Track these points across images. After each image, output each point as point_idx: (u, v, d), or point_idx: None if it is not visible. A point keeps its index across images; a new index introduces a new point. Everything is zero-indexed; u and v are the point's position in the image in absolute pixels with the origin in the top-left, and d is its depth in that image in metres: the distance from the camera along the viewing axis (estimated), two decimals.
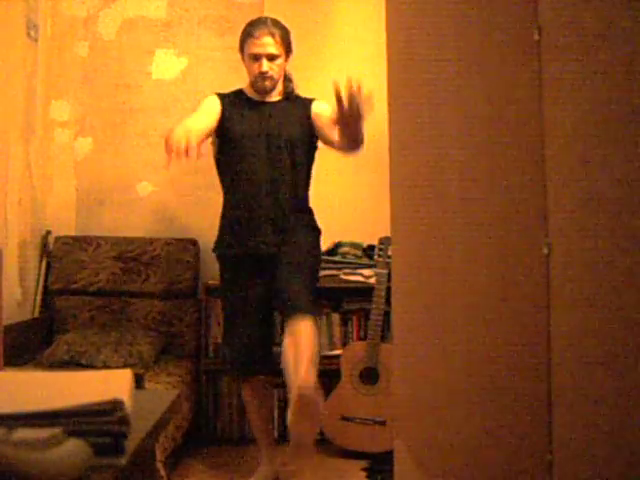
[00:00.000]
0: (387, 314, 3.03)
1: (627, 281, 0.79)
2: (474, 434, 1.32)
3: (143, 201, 3.70)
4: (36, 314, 3.41)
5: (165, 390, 2.60)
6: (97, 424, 0.88)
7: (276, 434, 3.32)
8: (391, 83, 2.00)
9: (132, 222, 3.67)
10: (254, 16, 3.71)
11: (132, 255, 3.48)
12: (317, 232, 2.82)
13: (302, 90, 3.82)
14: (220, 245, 2.78)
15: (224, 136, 2.73)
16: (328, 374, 3.24)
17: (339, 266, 3.41)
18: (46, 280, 3.47)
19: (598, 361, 0.86)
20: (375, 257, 3.24)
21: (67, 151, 3.70)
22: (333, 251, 3.47)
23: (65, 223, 3.65)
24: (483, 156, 1.28)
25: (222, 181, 2.84)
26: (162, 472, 2.44)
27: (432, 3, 1.62)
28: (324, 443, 3.21)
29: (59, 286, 3.44)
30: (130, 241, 3.51)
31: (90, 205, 3.69)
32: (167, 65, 3.73)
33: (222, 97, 2.77)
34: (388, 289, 2.91)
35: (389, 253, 2.96)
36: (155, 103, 3.71)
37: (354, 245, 3.49)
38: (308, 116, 2.75)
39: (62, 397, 0.96)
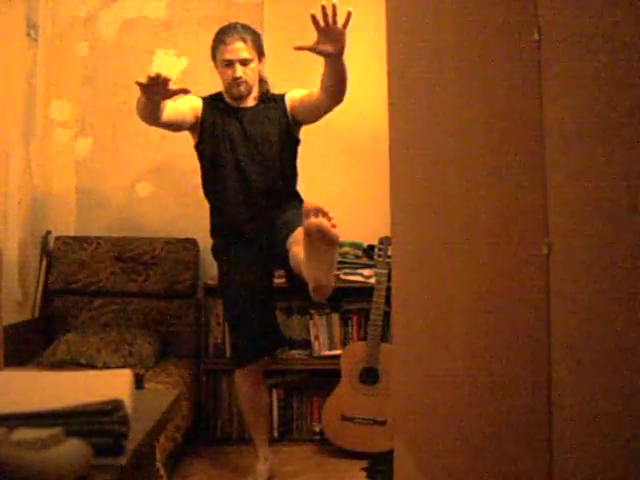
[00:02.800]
0: (387, 314, 3.03)
1: (627, 281, 0.79)
2: (474, 434, 1.32)
3: (143, 201, 3.70)
4: (36, 314, 3.41)
5: (165, 390, 2.60)
6: (97, 424, 0.88)
7: (276, 434, 3.33)
8: (391, 83, 2.00)
9: (132, 222, 3.67)
10: (254, 16, 3.73)
11: (132, 255, 3.48)
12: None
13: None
14: (215, 241, 2.85)
15: (202, 138, 2.75)
16: (328, 374, 3.24)
17: (339, 266, 3.40)
18: (46, 280, 3.47)
19: (598, 361, 0.86)
20: (375, 257, 3.24)
21: (67, 151, 3.70)
22: None
23: (65, 223, 3.65)
24: (483, 156, 1.28)
25: (202, 172, 2.88)
26: (162, 472, 2.44)
27: (432, 3, 1.62)
28: (324, 443, 3.21)
29: (59, 286, 3.44)
30: (130, 241, 3.51)
31: (90, 205, 3.69)
32: (167, 65, 3.73)
33: (204, 100, 2.79)
34: (388, 289, 2.91)
35: (389, 253, 2.96)
36: None
37: (354, 245, 3.49)
38: (284, 111, 2.76)
39: (62, 397, 0.96)
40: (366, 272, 3.36)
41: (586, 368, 0.89)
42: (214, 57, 2.73)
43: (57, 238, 3.53)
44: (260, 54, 2.74)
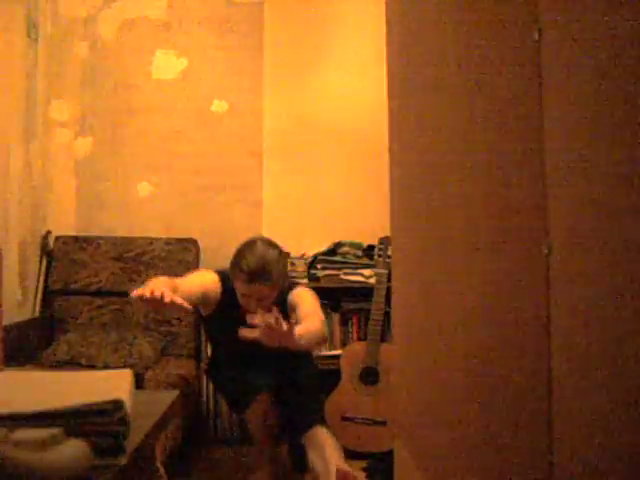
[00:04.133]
0: (387, 314, 3.03)
1: (628, 281, 0.79)
2: (474, 434, 1.32)
3: (143, 201, 3.70)
4: (36, 314, 3.41)
5: (165, 390, 2.60)
6: (97, 424, 0.88)
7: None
8: (391, 83, 2.01)
9: (132, 222, 3.67)
10: (254, 16, 3.74)
11: (132, 255, 3.48)
12: (313, 363, 2.79)
13: (302, 90, 3.83)
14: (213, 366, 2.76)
15: (214, 316, 2.56)
16: (328, 374, 3.24)
17: (339, 266, 3.41)
18: (46, 280, 3.47)
19: (598, 361, 0.86)
20: (375, 257, 3.24)
21: (67, 151, 3.70)
22: (333, 251, 3.48)
23: (65, 223, 3.65)
24: (483, 156, 1.28)
25: (210, 342, 2.78)
26: (162, 472, 2.44)
27: (431, 3, 1.62)
28: None
29: (59, 286, 3.44)
30: (130, 241, 3.51)
31: (90, 205, 3.69)
32: (167, 65, 3.73)
33: (222, 282, 2.51)
34: (388, 289, 2.91)
35: (389, 253, 2.96)
36: (155, 103, 3.72)
37: (354, 245, 3.49)
38: (285, 302, 2.52)
39: (62, 397, 0.96)
40: (366, 272, 3.36)
41: (586, 368, 0.89)
42: (232, 275, 2.43)
43: (57, 238, 3.53)
44: (281, 283, 2.46)
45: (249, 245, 2.44)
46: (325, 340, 2.49)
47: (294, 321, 2.16)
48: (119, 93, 3.71)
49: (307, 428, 2.49)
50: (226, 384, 2.65)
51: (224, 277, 2.49)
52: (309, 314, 2.37)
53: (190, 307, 2.02)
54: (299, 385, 2.63)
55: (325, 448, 2.40)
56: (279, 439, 2.77)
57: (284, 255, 2.52)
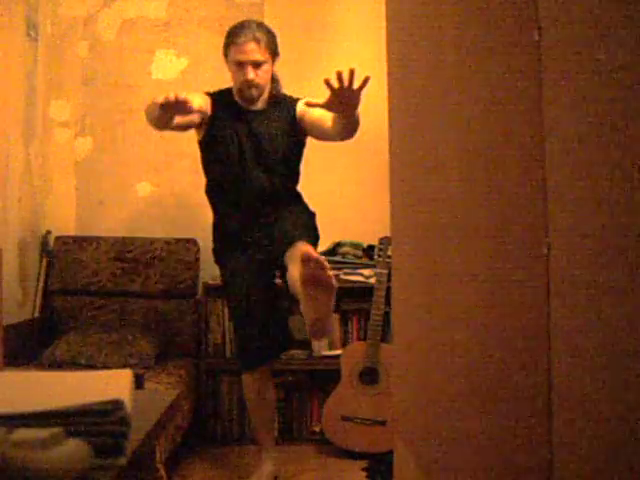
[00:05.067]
0: (387, 314, 3.03)
1: (628, 281, 0.79)
2: (474, 434, 1.32)
3: (143, 201, 3.70)
4: (36, 314, 3.41)
5: (165, 390, 2.60)
6: (97, 424, 0.88)
7: (276, 434, 3.33)
8: (391, 83, 2.01)
9: (132, 222, 3.67)
10: (254, 16, 3.72)
11: (132, 255, 3.48)
12: (307, 207, 2.88)
13: (302, 90, 3.81)
14: (216, 244, 2.84)
15: (209, 137, 2.72)
16: (328, 374, 3.24)
17: (339, 266, 3.41)
18: (46, 280, 3.47)
19: (598, 361, 0.86)
20: (375, 257, 3.24)
21: (67, 151, 3.70)
22: (333, 251, 3.48)
23: (65, 223, 3.65)
24: (483, 156, 1.28)
25: (206, 172, 2.87)
26: (162, 472, 2.44)
27: (432, 3, 1.62)
28: (324, 443, 3.21)
29: (59, 286, 3.44)
30: (130, 241, 3.51)
31: (90, 205, 3.69)
32: (167, 65, 3.73)
33: (213, 98, 2.71)
34: (388, 289, 2.91)
35: (389, 253, 2.96)
36: None
37: (354, 245, 3.49)
38: (293, 117, 2.72)
39: (62, 397, 0.96)
40: (366, 272, 3.36)
41: (586, 368, 0.89)
42: (226, 55, 2.66)
43: (57, 238, 3.53)
44: (274, 54, 2.67)
45: (240, 21, 2.70)
46: (359, 121, 2.47)
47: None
48: (119, 93, 3.71)
49: (289, 245, 2.45)
50: (229, 278, 2.73)
51: (210, 92, 2.70)
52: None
53: (209, 111, 2.33)
54: (288, 218, 2.67)
55: (299, 253, 2.30)
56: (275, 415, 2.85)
57: (274, 31, 2.70)
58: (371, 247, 3.41)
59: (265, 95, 2.71)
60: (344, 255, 3.45)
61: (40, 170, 3.58)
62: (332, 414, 3.12)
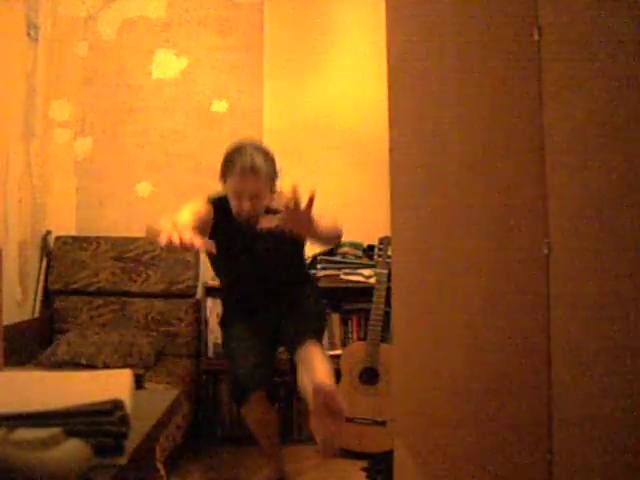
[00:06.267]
0: (387, 314, 3.03)
1: (627, 281, 0.79)
2: (474, 434, 1.32)
3: (143, 201, 3.70)
4: (36, 314, 3.41)
5: (165, 390, 2.60)
6: (97, 424, 0.88)
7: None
8: (391, 83, 2.01)
9: (132, 222, 3.67)
10: (254, 16, 3.74)
11: (132, 255, 3.48)
12: (318, 289, 2.84)
13: (302, 90, 3.83)
14: (224, 314, 2.84)
15: (214, 236, 2.54)
16: None
17: (339, 266, 3.41)
18: (46, 280, 3.47)
19: (598, 361, 0.86)
20: (375, 257, 3.24)
21: (67, 151, 3.70)
22: (333, 251, 3.48)
23: (65, 223, 3.65)
24: (483, 156, 1.28)
25: (214, 266, 2.80)
26: (162, 472, 2.44)
27: (432, 3, 1.62)
28: None
29: (59, 286, 3.44)
30: (130, 241, 3.51)
31: (90, 205, 3.69)
32: (167, 65, 3.73)
33: (214, 205, 2.54)
34: (388, 289, 2.90)
35: (389, 253, 2.96)
36: (155, 103, 3.72)
37: (354, 245, 3.49)
38: None
39: (62, 397, 0.96)
40: (366, 272, 3.36)
41: (586, 368, 0.89)
42: (222, 178, 2.48)
43: (57, 238, 3.53)
44: (273, 180, 2.49)
45: (237, 146, 2.50)
46: (340, 233, 2.41)
47: (312, 197, 2.08)
48: (119, 93, 3.72)
49: (300, 344, 2.45)
50: (231, 351, 2.67)
51: (211, 199, 2.54)
52: (322, 214, 2.30)
53: (214, 247, 2.07)
54: (298, 308, 2.64)
55: (312, 363, 2.32)
56: (278, 439, 2.79)
57: (273, 156, 2.53)
58: (371, 247, 3.41)
59: (262, 211, 2.53)
60: (344, 255, 3.45)
61: (40, 170, 3.58)
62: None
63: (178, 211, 2.37)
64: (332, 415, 2.17)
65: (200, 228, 2.39)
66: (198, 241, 1.99)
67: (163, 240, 1.96)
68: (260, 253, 2.60)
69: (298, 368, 2.44)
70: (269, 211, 2.51)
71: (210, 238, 2.49)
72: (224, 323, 2.83)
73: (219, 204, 2.53)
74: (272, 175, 2.48)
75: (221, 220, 2.52)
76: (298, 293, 2.71)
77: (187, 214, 2.35)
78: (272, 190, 2.50)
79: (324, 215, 2.30)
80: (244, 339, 2.64)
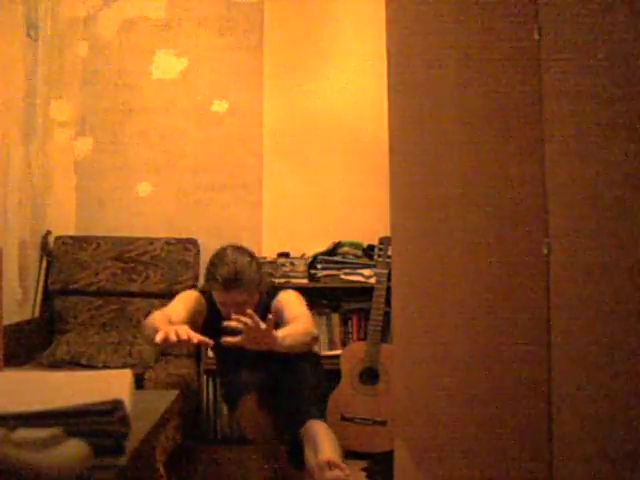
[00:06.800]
0: (387, 314, 3.03)
1: (627, 281, 0.79)
2: (474, 434, 1.32)
3: (143, 201, 3.70)
4: (36, 314, 3.41)
5: (165, 390, 2.60)
6: (97, 424, 0.88)
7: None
8: (391, 83, 2.00)
9: (132, 222, 3.67)
10: (254, 16, 3.74)
11: (132, 255, 3.48)
12: (313, 359, 2.78)
13: (302, 90, 3.83)
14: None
15: (206, 329, 2.50)
16: (328, 374, 3.23)
17: (339, 266, 3.41)
18: (46, 280, 3.47)
19: (598, 361, 0.86)
20: (375, 257, 3.24)
21: (67, 151, 3.70)
22: (333, 251, 3.48)
23: (65, 223, 3.65)
24: (483, 156, 1.28)
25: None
26: (162, 472, 2.44)
27: (432, 3, 1.62)
28: None
29: (59, 286, 3.44)
30: (130, 241, 3.51)
31: (90, 205, 3.69)
32: (167, 65, 3.73)
33: (207, 302, 2.55)
34: (388, 289, 2.90)
35: (389, 253, 2.96)
36: (155, 103, 3.72)
37: (354, 245, 3.49)
38: (268, 308, 2.52)
39: (62, 397, 0.96)
40: (366, 272, 3.36)
41: (586, 368, 0.88)
42: (208, 284, 2.49)
43: (57, 238, 3.52)
44: (258, 287, 2.48)
45: (219, 254, 2.50)
46: (315, 339, 2.43)
47: (272, 319, 2.10)
48: (119, 93, 3.71)
49: (302, 421, 2.45)
50: (223, 379, 2.67)
51: (205, 294, 2.56)
52: (296, 316, 2.38)
53: (211, 341, 2.13)
54: (296, 378, 2.62)
55: (319, 442, 2.34)
56: (276, 437, 2.77)
57: (256, 259, 2.54)
58: (371, 247, 3.41)
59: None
60: (344, 255, 3.45)
61: (40, 170, 3.58)
62: (332, 414, 3.12)
63: (172, 304, 2.45)
64: None
65: (194, 320, 2.45)
66: (194, 338, 2.06)
67: (159, 338, 2.02)
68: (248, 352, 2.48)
69: (304, 446, 2.42)
70: (263, 304, 2.52)
71: (204, 324, 2.53)
72: (217, 364, 2.83)
73: (209, 299, 2.54)
74: (255, 284, 2.46)
75: (211, 317, 2.52)
76: (295, 365, 2.65)
77: (180, 308, 2.40)
78: (259, 294, 2.50)
79: (296, 316, 2.37)
80: (239, 369, 2.62)
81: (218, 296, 2.45)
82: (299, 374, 2.65)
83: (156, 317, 2.28)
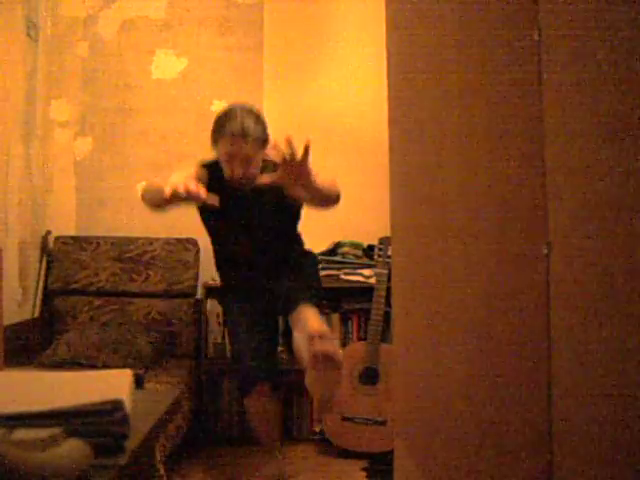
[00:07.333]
0: (387, 314, 3.03)
1: (627, 281, 0.79)
2: (474, 434, 1.32)
3: None
4: (36, 314, 3.41)
5: (165, 390, 2.60)
6: (97, 424, 0.88)
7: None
8: (391, 83, 2.00)
9: (132, 222, 3.67)
10: (254, 16, 3.74)
11: (132, 255, 3.48)
12: (311, 255, 2.81)
13: (302, 90, 3.83)
14: (221, 286, 2.81)
15: (204, 209, 2.59)
16: None
17: (339, 266, 3.41)
18: (46, 280, 3.47)
19: (598, 361, 0.86)
20: (375, 257, 3.24)
21: (67, 151, 3.70)
22: (333, 251, 3.48)
23: (65, 223, 3.65)
24: (483, 156, 1.28)
25: (206, 231, 2.79)
26: (162, 472, 2.44)
27: (432, 3, 1.62)
28: (324, 443, 3.21)
29: (59, 286, 3.44)
30: (130, 241, 3.51)
31: (90, 205, 3.69)
32: (167, 65, 3.73)
33: (209, 170, 2.52)
34: (388, 289, 2.90)
35: (389, 253, 2.95)
36: (155, 103, 3.72)
37: (354, 245, 3.49)
38: (282, 190, 2.43)
39: (62, 397, 0.96)
40: (366, 272, 3.36)
41: (586, 368, 0.88)
42: (213, 143, 2.45)
43: (57, 238, 3.53)
44: (264, 143, 2.46)
45: (227, 108, 2.48)
46: (339, 193, 2.34)
47: (307, 144, 2.01)
48: (119, 93, 3.71)
49: (294, 308, 2.40)
50: (236, 338, 2.64)
51: (204, 164, 2.53)
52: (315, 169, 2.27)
53: (217, 200, 2.10)
54: (293, 272, 2.61)
55: (306, 319, 2.25)
56: (280, 436, 2.78)
57: (263, 118, 2.53)
58: (371, 247, 3.41)
59: (255, 175, 2.49)
60: (344, 255, 3.44)
61: (40, 170, 3.58)
62: (332, 414, 3.12)
63: (172, 174, 2.34)
64: (329, 362, 2.13)
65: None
66: (203, 191, 2.00)
67: (168, 191, 1.96)
68: (254, 218, 2.58)
69: (293, 332, 2.40)
70: (266, 165, 2.50)
71: (203, 205, 2.48)
72: (222, 300, 2.79)
73: (211, 169, 2.51)
74: (263, 138, 2.46)
75: (214, 185, 2.45)
76: (294, 261, 2.68)
77: (184, 174, 2.31)
78: (264, 148, 2.47)
79: (320, 174, 2.26)
80: (247, 323, 2.60)
81: (224, 148, 2.40)
82: (296, 268, 2.64)
83: (155, 181, 2.22)
